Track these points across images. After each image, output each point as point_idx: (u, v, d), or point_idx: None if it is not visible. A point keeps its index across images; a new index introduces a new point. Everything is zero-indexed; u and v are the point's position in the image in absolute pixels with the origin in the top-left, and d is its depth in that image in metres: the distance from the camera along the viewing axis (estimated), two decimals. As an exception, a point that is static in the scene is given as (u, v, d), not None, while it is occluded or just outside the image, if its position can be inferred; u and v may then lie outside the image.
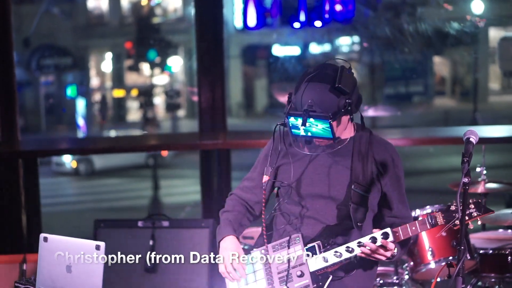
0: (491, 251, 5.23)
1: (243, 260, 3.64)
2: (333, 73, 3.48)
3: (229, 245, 3.68)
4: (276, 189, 3.79)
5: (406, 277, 5.26)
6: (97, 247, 3.66)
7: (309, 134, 3.46)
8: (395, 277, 5.20)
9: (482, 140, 5.86)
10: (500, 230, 5.70)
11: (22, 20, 18.23)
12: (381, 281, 5.19)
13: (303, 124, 3.40)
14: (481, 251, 5.23)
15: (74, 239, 3.75)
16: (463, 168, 3.28)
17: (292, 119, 3.45)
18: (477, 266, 5.22)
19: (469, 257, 5.10)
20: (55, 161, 19.16)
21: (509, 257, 5.18)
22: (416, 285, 5.26)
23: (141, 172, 18.89)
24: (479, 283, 5.48)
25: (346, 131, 3.60)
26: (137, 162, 19.13)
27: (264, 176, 3.62)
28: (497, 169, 15.62)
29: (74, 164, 19.06)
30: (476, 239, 5.48)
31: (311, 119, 3.41)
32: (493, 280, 5.32)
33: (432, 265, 5.02)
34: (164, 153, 19.35)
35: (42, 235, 3.82)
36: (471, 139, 3.41)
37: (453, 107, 23.25)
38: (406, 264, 5.28)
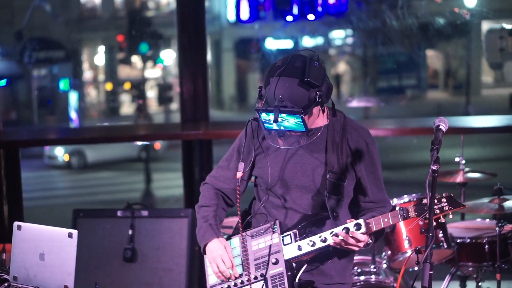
0: (468, 240, 5.26)
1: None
2: (301, 65, 3.48)
3: (216, 246, 3.69)
4: (253, 178, 3.82)
5: (384, 266, 5.28)
6: (70, 235, 3.65)
7: (282, 128, 3.48)
8: (372, 266, 5.22)
9: (461, 130, 5.92)
10: (478, 219, 5.73)
11: (14, 13, 18.21)
12: (359, 270, 5.22)
13: (275, 120, 3.41)
14: (458, 240, 5.26)
15: (48, 227, 3.75)
16: (432, 155, 3.29)
17: (264, 115, 3.46)
18: (454, 255, 5.25)
19: (446, 246, 5.14)
20: (48, 155, 19.16)
21: (486, 246, 5.21)
22: (393, 274, 5.28)
23: (134, 165, 18.89)
24: (458, 272, 5.52)
25: (318, 119, 3.61)
26: (130, 155, 19.13)
27: (238, 172, 3.64)
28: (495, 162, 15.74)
29: (66, 158, 19.05)
30: (454, 228, 5.51)
31: (283, 114, 3.42)
32: (470, 269, 5.36)
33: (409, 254, 5.05)
34: (157, 146, 19.35)
35: (16, 223, 3.83)
36: (440, 126, 3.43)
37: (446, 100, 23.29)
38: (384, 253, 5.30)
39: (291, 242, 3.59)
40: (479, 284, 5.44)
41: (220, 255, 3.66)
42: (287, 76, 3.46)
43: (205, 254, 3.74)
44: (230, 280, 3.67)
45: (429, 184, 3.26)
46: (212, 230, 3.73)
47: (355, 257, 5.40)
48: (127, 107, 23.40)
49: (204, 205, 3.83)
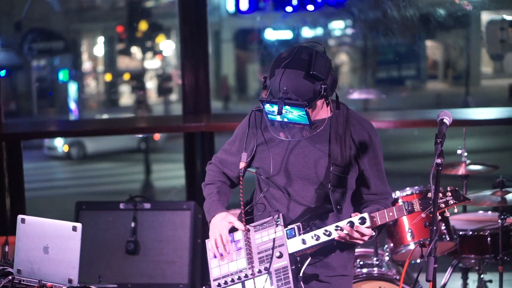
0: (470, 233, 5.27)
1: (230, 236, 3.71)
2: (307, 57, 3.48)
3: (217, 222, 3.72)
4: (254, 169, 3.82)
5: (386, 258, 5.29)
6: (74, 228, 3.67)
7: (285, 120, 3.47)
8: (375, 258, 5.22)
9: (463, 123, 5.92)
10: (480, 212, 5.73)
11: (13, 4, 18.15)
12: (362, 262, 5.22)
13: (279, 112, 3.41)
14: (460, 233, 5.27)
15: (51, 220, 3.77)
16: (436, 149, 3.29)
17: (268, 106, 3.46)
18: (456, 248, 5.26)
19: (448, 239, 5.14)
20: (47, 145, 19.13)
21: (489, 239, 5.22)
22: (396, 267, 5.29)
23: (134, 156, 18.88)
24: (460, 264, 5.53)
25: (322, 111, 3.61)
26: (129, 146, 19.10)
27: (241, 163, 3.65)
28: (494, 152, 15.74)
29: (66, 148, 19.02)
30: (456, 220, 5.52)
31: (287, 107, 3.42)
32: (472, 261, 5.37)
33: (412, 246, 5.07)
34: (156, 137, 19.33)
35: (20, 217, 3.85)
36: (444, 120, 3.43)
37: (446, 91, 23.25)
38: (386, 246, 5.31)
39: (295, 236, 3.59)
40: (481, 276, 5.45)
41: (219, 230, 3.69)
42: (292, 68, 3.46)
43: None
44: (225, 259, 3.69)
45: (433, 178, 3.26)
46: (216, 205, 3.77)
47: (358, 250, 5.42)
48: (126, 98, 23.37)
49: (209, 183, 3.88)
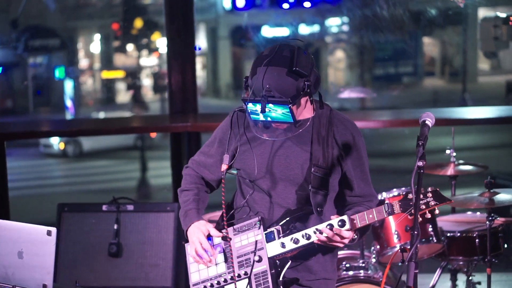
0: (458, 234, 5.21)
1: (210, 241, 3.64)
2: (289, 54, 3.41)
3: (195, 229, 3.65)
4: (234, 170, 3.73)
5: (373, 260, 5.22)
6: (49, 233, 3.60)
7: (269, 119, 3.40)
8: (361, 261, 5.16)
9: (452, 122, 5.85)
10: (469, 213, 5.67)
11: (10, 1, 18.14)
12: (348, 265, 5.15)
13: (262, 110, 3.33)
14: (448, 234, 5.21)
15: (26, 224, 3.70)
16: (418, 151, 3.23)
17: (250, 105, 3.38)
18: (444, 249, 5.19)
19: (435, 241, 5.08)
20: (43, 143, 19.13)
21: (477, 240, 5.15)
22: (382, 269, 5.22)
23: (130, 153, 18.89)
24: (449, 266, 5.47)
25: (305, 111, 3.54)
26: (125, 144, 19.13)
27: (223, 165, 3.57)
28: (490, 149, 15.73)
29: (62, 146, 19.01)
30: (444, 221, 5.46)
31: (270, 105, 3.34)
32: (461, 263, 5.31)
33: (398, 248, 5.00)
34: (153, 134, 19.32)
35: (-7, 221, 3.79)
36: (426, 121, 3.36)
37: (443, 87, 23.28)
38: (373, 248, 5.24)
39: (275, 239, 3.52)
40: (470, 278, 5.39)
41: (198, 238, 3.61)
42: (274, 66, 3.38)
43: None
44: (209, 264, 3.62)
45: (415, 181, 3.19)
46: (192, 215, 3.69)
47: (344, 252, 5.36)
48: (123, 95, 23.37)
49: (185, 189, 3.81)
